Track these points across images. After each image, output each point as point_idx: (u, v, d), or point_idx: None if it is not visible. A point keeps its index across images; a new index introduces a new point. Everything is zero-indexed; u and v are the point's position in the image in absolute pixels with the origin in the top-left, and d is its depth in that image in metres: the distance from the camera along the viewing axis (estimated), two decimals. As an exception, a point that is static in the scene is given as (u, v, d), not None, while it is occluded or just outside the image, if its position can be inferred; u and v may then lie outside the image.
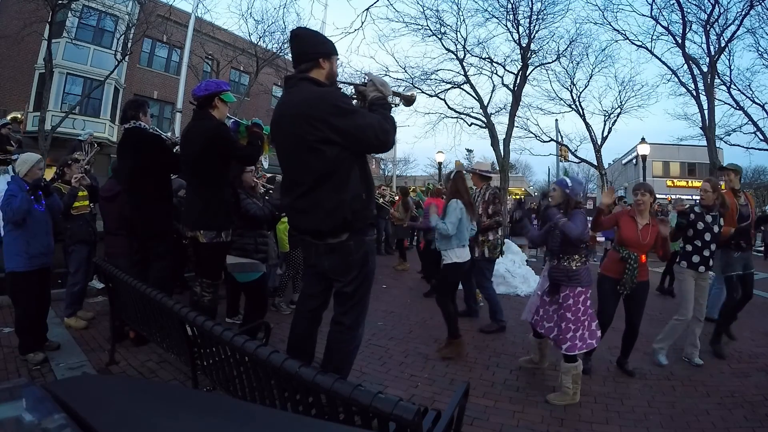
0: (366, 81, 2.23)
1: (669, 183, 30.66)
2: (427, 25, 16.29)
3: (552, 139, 20.49)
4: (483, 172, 4.24)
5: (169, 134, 4.28)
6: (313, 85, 2.06)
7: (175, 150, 3.62)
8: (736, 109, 15.27)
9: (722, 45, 14.04)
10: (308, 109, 1.97)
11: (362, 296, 2.21)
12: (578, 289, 3.01)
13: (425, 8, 16.05)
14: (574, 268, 3.02)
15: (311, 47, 2.12)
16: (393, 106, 2.37)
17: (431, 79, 17.67)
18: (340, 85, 2.37)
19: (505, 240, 7.85)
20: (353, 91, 2.34)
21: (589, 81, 18.66)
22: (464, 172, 4.05)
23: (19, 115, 7.14)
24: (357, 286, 2.16)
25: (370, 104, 2.15)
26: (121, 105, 17.65)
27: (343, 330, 2.20)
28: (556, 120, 27.27)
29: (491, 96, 18.74)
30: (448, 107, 18.27)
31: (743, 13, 13.18)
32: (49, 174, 4.40)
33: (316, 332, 2.40)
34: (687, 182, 29.33)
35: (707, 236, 3.62)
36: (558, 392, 2.98)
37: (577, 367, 2.95)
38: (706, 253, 3.62)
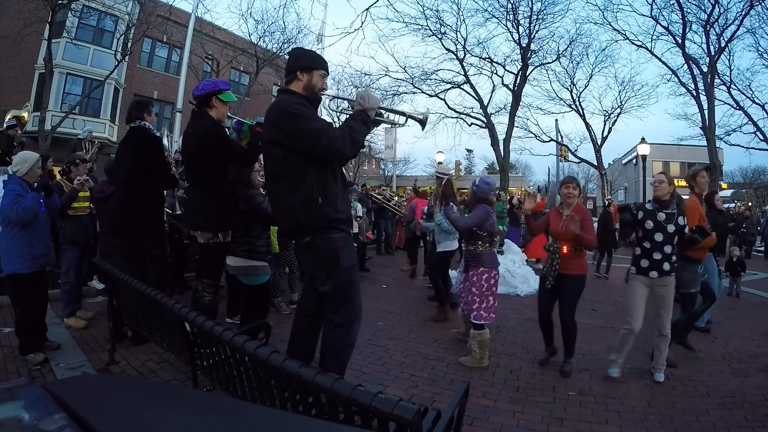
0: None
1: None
2: (427, 25, 16.34)
3: (552, 139, 20.51)
4: (439, 174, 4.95)
5: (172, 154, 4.27)
6: (286, 95, 2.24)
7: (173, 169, 3.62)
8: (736, 109, 15.32)
9: (722, 45, 14.07)
10: (267, 116, 2.22)
11: (345, 294, 2.22)
12: (481, 269, 3.55)
13: (425, 8, 16.11)
14: (479, 251, 3.60)
15: (293, 62, 2.30)
16: (381, 119, 2.42)
17: (431, 79, 17.73)
18: (339, 101, 2.68)
19: (505, 241, 7.89)
20: (348, 106, 2.48)
21: (589, 81, 18.74)
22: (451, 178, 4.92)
23: (25, 115, 7.11)
24: (333, 284, 2.18)
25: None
26: (122, 105, 17.66)
27: (333, 328, 2.23)
28: (556, 120, 27.30)
29: (491, 96, 18.80)
30: (448, 107, 18.31)
31: (743, 13, 13.21)
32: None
33: (318, 331, 2.40)
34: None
35: (658, 237, 3.17)
36: (468, 356, 3.53)
37: (482, 335, 3.46)
38: (657, 256, 3.17)
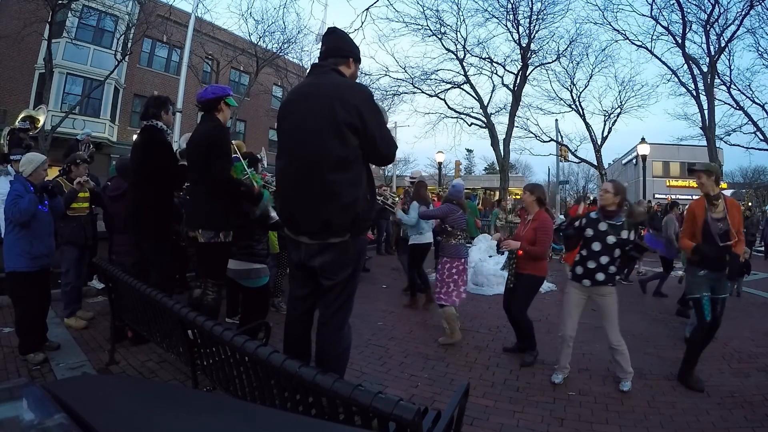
0: None
1: (669, 183, 30.70)
2: (427, 25, 16.33)
3: (552, 139, 20.48)
4: (410, 179, 5.80)
5: (179, 143, 4.23)
6: (343, 77, 2.11)
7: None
8: (736, 109, 15.29)
9: (722, 45, 14.06)
10: (344, 93, 1.96)
11: (350, 295, 2.18)
12: (444, 259, 4.15)
13: (425, 8, 16.10)
14: (443, 243, 4.22)
15: (347, 45, 2.19)
16: None
17: (431, 79, 17.71)
18: None
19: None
20: None
21: (589, 81, 18.69)
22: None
23: (41, 118, 7.14)
24: (346, 283, 2.13)
25: None
26: (122, 105, 17.68)
27: (332, 332, 2.15)
28: (556, 120, 27.26)
29: (491, 96, 18.83)
30: (448, 107, 18.30)
31: (743, 13, 13.20)
32: (50, 175, 4.40)
33: (309, 334, 2.36)
34: (687, 182, 29.38)
35: (595, 246, 3.10)
36: (444, 336, 4.05)
37: (445, 311, 4.03)
38: (591, 264, 3.10)
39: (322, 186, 1.97)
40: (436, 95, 18.02)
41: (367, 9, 8.00)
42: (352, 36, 2.35)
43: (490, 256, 7.25)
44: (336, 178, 1.96)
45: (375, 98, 2.12)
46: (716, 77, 14.58)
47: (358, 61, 2.23)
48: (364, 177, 2.05)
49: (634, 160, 29.65)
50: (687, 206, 3.50)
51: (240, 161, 3.38)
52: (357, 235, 2.09)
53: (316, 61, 2.24)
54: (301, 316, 2.29)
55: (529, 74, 16.95)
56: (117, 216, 4.13)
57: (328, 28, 2.28)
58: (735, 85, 15.03)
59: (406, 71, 17.41)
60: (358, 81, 2.33)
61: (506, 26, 16.25)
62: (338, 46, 2.16)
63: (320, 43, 2.27)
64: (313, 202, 2.01)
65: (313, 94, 2.03)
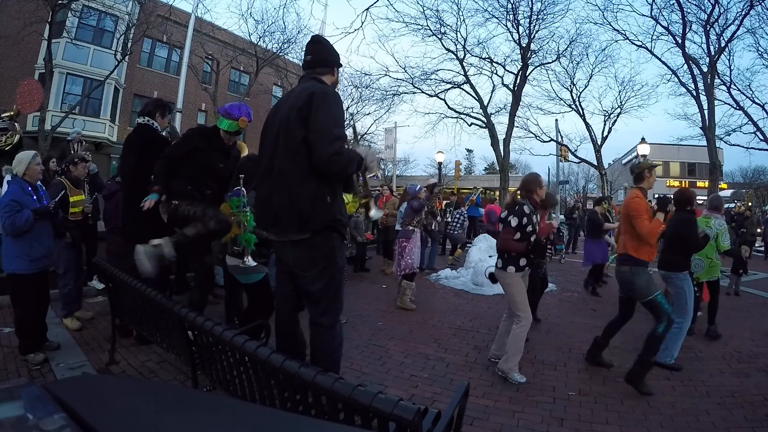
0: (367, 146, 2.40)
1: (669, 183, 30.69)
2: (427, 25, 16.32)
3: (552, 139, 20.47)
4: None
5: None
6: (324, 85, 2.22)
7: None
8: (736, 109, 15.26)
9: (722, 45, 14.04)
10: (308, 88, 2.10)
11: (335, 294, 2.15)
12: (399, 239, 5.40)
13: (425, 8, 16.09)
14: (401, 228, 5.55)
15: (331, 56, 2.32)
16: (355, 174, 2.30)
17: (431, 79, 17.72)
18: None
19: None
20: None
21: (589, 81, 18.67)
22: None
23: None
24: (325, 283, 2.10)
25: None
26: (122, 105, 17.70)
27: (324, 331, 2.14)
28: (556, 120, 27.22)
29: (491, 96, 18.80)
30: (448, 107, 18.31)
31: (743, 13, 13.18)
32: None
33: (300, 332, 2.33)
34: (687, 182, 29.37)
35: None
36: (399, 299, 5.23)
37: (404, 284, 5.18)
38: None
39: (275, 178, 2.06)
40: (436, 95, 18.04)
41: (367, 9, 8.02)
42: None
43: (490, 256, 7.23)
44: (286, 169, 2.03)
45: (343, 106, 2.15)
46: (716, 77, 14.57)
47: (340, 66, 2.37)
48: (316, 176, 2.01)
49: (634, 160, 29.66)
50: (635, 202, 3.22)
51: (239, 197, 3.03)
52: (321, 233, 2.05)
53: (302, 65, 2.36)
54: (285, 314, 2.30)
55: (529, 74, 16.95)
56: (109, 216, 4.12)
57: (312, 37, 2.43)
58: (735, 85, 15.01)
59: (406, 71, 17.43)
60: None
61: (506, 26, 16.25)
62: (324, 57, 2.29)
63: (304, 52, 2.31)
64: (269, 194, 2.11)
65: (287, 98, 2.23)
